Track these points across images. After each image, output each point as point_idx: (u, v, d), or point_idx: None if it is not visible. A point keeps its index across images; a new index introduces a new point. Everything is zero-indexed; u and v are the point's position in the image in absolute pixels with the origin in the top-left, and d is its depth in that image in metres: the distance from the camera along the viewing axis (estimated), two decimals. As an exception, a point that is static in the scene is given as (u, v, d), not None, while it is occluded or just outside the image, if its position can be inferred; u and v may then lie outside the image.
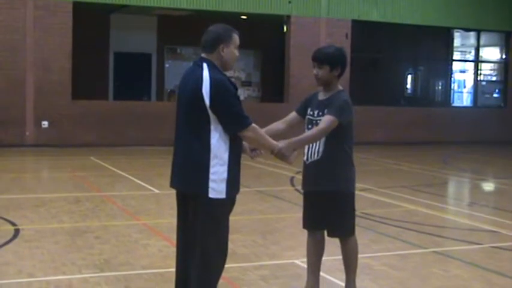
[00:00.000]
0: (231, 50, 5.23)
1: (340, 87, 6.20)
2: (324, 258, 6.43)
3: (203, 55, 5.24)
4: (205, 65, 5.12)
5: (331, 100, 6.07)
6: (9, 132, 20.68)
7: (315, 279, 6.39)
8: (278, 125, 6.31)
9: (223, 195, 5.08)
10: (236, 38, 5.27)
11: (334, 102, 6.03)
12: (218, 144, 5.04)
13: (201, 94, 4.98)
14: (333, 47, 6.30)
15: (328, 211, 6.13)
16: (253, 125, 5.17)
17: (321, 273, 6.47)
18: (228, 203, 5.18)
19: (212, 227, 5.12)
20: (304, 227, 6.40)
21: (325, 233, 6.29)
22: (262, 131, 5.42)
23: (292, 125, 6.34)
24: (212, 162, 5.03)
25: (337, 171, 6.07)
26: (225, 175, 5.07)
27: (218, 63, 5.18)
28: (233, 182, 5.16)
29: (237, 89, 5.19)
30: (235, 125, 5.12)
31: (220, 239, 5.19)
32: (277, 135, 5.96)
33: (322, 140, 6.02)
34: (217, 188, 5.05)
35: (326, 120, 5.93)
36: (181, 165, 5.17)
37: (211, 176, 5.02)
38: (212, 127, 5.03)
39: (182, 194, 5.27)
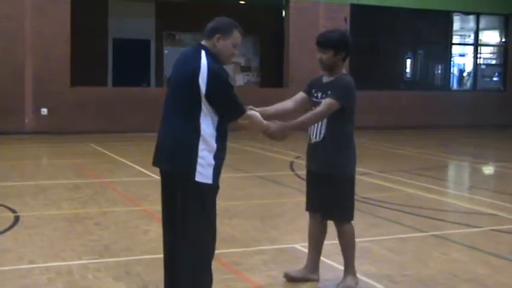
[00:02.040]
0: (227, 44, 5.16)
1: (344, 71, 6.19)
2: (325, 241, 6.46)
3: (203, 42, 5.22)
4: (203, 53, 5.09)
5: (335, 83, 6.10)
6: (9, 119, 20.67)
7: (314, 261, 6.42)
8: (287, 103, 6.37)
9: (209, 181, 5.04)
10: (237, 35, 5.21)
11: (337, 85, 6.06)
12: (208, 131, 5.01)
13: (197, 81, 4.96)
14: (338, 31, 6.31)
15: (325, 194, 6.15)
16: (247, 112, 5.24)
17: (321, 258, 6.48)
18: (214, 188, 5.12)
19: (199, 210, 5.06)
20: (306, 209, 6.42)
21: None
22: (256, 113, 5.47)
23: (301, 104, 6.35)
24: (201, 146, 4.99)
25: (337, 155, 6.08)
26: (212, 161, 5.03)
27: (212, 52, 5.15)
28: (219, 169, 5.12)
29: (228, 76, 5.18)
30: (232, 114, 5.15)
31: (208, 221, 5.14)
32: (285, 114, 6.03)
33: (324, 121, 6.05)
34: (204, 172, 5.00)
35: (325, 104, 5.96)
36: (169, 146, 5.11)
37: (199, 160, 4.98)
38: (202, 114, 5.00)
39: (166, 174, 5.21)
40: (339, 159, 6.09)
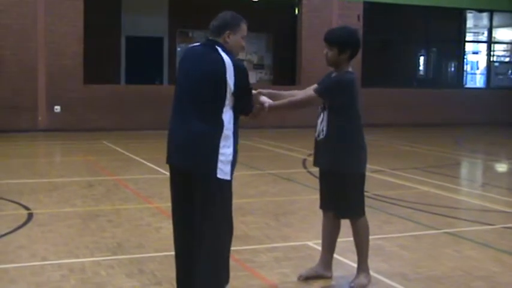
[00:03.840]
0: (237, 38, 5.24)
1: (349, 69, 6.17)
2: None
3: (211, 38, 5.25)
4: (220, 49, 5.12)
5: (331, 78, 6.18)
6: (22, 117, 20.74)
7: (327, 259, 6.42)
8: (296, 92, 6.44)
9: (228, 177, 5.10)
10: (244, 27, 5.27)
11: (328, 80, 6.15)
12: (229, 127, 5.07)
13: (225, 78, 5.00)
14: (346, 28, 6.30)
15: (334, 191, 6.18)
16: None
17: (334, 255, 6.47)
18: (230, 184, 5.18)
19: (220, 208, 5.11)
20: (320, 206, 6.44)
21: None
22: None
23: None
24: (221, 143, 5.04)
25: (341, 152, 6.08)
26: (230, 157, 5.10)
27: (226, 48, 5.19)
28: (234, 165, 5.18)
29: None
30: (249, 107, 5.35)
31: (228, 218, 5.20)
32: None
33: (325, 119, 6.08)
34: (224, 169, 5.05)
35: (305, 93, 6.13)
36: (189, 143, 5.10)
37: (220, 157, 5.03)
38: (225, 110, 5.05)
39: (184, 172, 5.20)
40: (342, 156, 6.08)
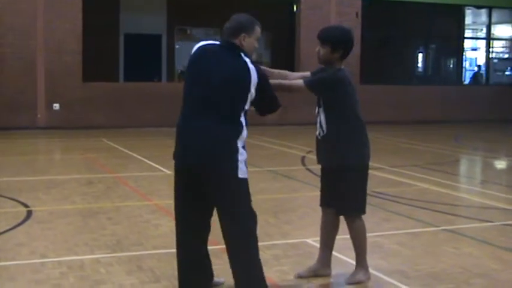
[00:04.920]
0: (252, 41, 5.32)
1: (341, 67, 6.16)
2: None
3: (230, 39, 5.29)
4: (243, 54, 5.21)
5: (322, 71, 6.20)
6: (21, 115, 20.74)
7: (325, 257, 6.41)
8: (287, 73, 6.55)
9: (246, 175, 5.21)
10: (258, 30, 5.36)
11: (320, 74, 6.16)
12: (244, 127, 5.17)
13: (250, 85, 5.11)
14: (340, 28, 6.35)
15: (335, 187, 6.18)
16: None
17: (333, 252, 6.47)
18: (248, 182, 5.27)
19: (245, 204, 5.24)
20: (320, 204, 6.46)
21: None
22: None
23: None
24: (239, 143, 5.14)
25: (340, 148, 6.07)
26: (245, 155, 5.20)
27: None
28: (246, 161, 5.26)
29: None
30: (276, 103, 5.48)
31: (253, 214, 5.30)
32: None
33: (323, 116, 6.08)
34: (243, 168, 5.16)
35: (295, 81, 6.15)
36: (209, 144, 5.12)
37: (239, 157, 5.13)
38: (243, 112, 5.17)
39: (201, 173, 5.21)
40: (341, 152, 6.07)
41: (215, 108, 5.13)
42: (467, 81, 29.42)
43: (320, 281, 6.31)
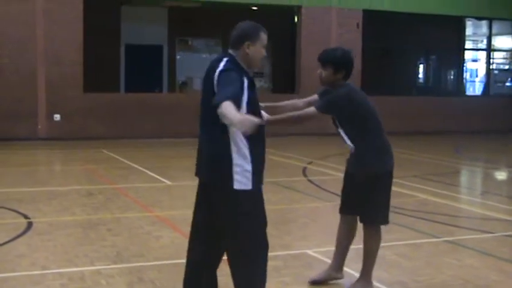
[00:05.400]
0: (257, 48, 5.17)
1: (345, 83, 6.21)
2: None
3: (230, 51, 5.21)
4: (224, 59, 5.09)
5: (329, 92, 6.17)
6: (22, 125, 20.73)
7: (338, 261, 6.47)
8: (297, 102, 6.47)
9: (249, 187, 5.02)
10: (264, 37, 5.23)
11: (327, 96, 6.15)
12: (238, 137, 4.97)
13: (215, 87, 4.96)
14: (340, 49, 6.37)
15: (357, 195, 6.25)
16: (227, 102, 4.63)
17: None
18: (255, 192, 5.10)
19: (242, 219, 5.07)
20: (339, 211, 6.54)
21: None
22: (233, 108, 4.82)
23: (311, 105, 6.34)
24: (234, 154, 4.98)
25: (366, 158, 6.16)
26: (248, 167, 5.01)
27: (243, 60, 5.14)
28: (259, 173, 5.11)
29: (252, 84, 5.08)
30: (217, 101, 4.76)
31: (254, 230, 5.14)
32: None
33: (343, 134, 6.19)
34: (241, 180, 4.99)
35: (306, 110, 6.13)
36: (206, 157, 5.12)
37: (234, 168, 4.97)
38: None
39: (206, 185, 5.19)
40: (366, 162, 6.16)
41: (204, 119, 5.15)
42: (474, 93, 29.43)
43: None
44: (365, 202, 6.16)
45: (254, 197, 5.11)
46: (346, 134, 6.14)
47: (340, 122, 6.14)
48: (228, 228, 5.11)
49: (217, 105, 4.62)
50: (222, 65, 5.02)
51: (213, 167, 5.06)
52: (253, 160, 5.05)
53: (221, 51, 25.01)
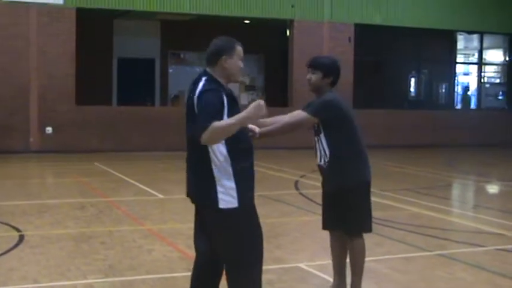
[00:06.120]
0: (235, 61, 5.16)
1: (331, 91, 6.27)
2: (328, 261, 6.49)
3: (207, 68, 5.20)
4: (203, 79, 5.08)
5: (315, 100, 6.28)
6: (14, 138, 20.72)
7: (340, 280, 6.45)
8: (282, 118, 6.42)
9: (235, 204, 5.00)
10: (240, 49, 5.21)
11: (314, 101, 6.24)
12: (220, 157, 4.98)
13: (195, 108, 4.97)
14: (329, 57, 6.66)
15: (343, 207, 6.27)
16: (211, 126, 4.75)
17: (325, 276, 6.48)
18: (243, 209, 5.06)
19: (233, 236, 5.08)
20: (324, 227, 6.54)
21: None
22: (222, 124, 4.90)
23: None
24: (216, 174, 4.98)
25: (347, 168, 6.20)
26: (233, 185, 5.00)
27: (222, 75, 5.13)
28: (245, 189, 5.07)
29: (232, 100, 5.07)
30: (198, 129, 4.87)
31: (247, 246, 5.11)
32: None
33: (325, 141, 6.18)
34: (225, 198, 4.98)
35: (296, 117, 6.19)
36: (191, 177, 5.16)
37: (218, 188, 4.97)
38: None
39: (196, 204, 5.24)
40: (348, 170, 6.21)
41: (188, 140, 5.14)
42: (459, 106, 29.55)
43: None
44: (349, 211, 6.20)
45: (242, 213, 5.07)
46: (328, 140, 6.14)
47: (324, 127, 6.16)
48: (220, 244, 5.12)
49: (203, 130, 4.74)
50: (200, 85, 5.03)
51: (199, 187, 5.09)
52: (236, 176, 5.02)
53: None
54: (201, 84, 5.04)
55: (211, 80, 5.08)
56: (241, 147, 5.09)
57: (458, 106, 29.65)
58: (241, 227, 5.08)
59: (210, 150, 4.97)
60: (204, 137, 4.77)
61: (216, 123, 4.76)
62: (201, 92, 4.97)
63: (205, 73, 5.17)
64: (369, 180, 6.35)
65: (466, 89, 29.92)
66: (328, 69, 6.26)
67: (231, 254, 5.10)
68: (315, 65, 6.30)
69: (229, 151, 5.01)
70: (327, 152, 6.17)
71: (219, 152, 4.98)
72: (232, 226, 5.05)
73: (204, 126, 4.77)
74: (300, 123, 6.19)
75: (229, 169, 5.01)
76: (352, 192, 6.20)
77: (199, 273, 5.33)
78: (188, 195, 5.27)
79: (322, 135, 6.19)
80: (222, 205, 4.98)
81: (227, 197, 4.99)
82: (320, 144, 6.22)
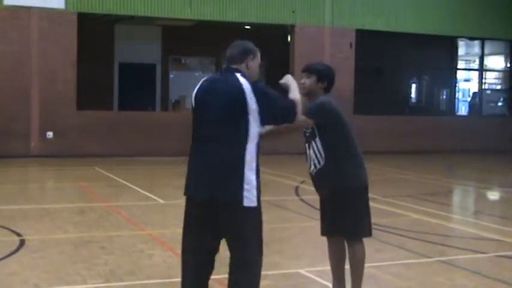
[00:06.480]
0: (256, 64, 5.38)
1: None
2: (329, 267, 6.48)
3: (233, 66, 5.30)
4: (237, 74, 5.19)
5: (311, 103, 6.30)
6: (15, 142, 20.71)
7: (339, 285, 6.45)
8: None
9: (254, 203, 5.10)
10: (259, 56, 5.44)
11: (309, 105, 6.27)
12: (251, 152, 5.08)
13: (246, 104, 5.05)
14: (325, 64, 6.71)
15: (336, 213, 6.27)
16: (296, 101, 5.40)
17: (324, 282, 6.47)
18: (259, 210, 5.19)
19: (247, 235, 5.15)
20: (323, 233, 6.53)
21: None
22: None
23: None
24: (246, 171, 5.06)
25: (339, 172, 6.20)
26: (254, 182, 5.10)
27: (245, 73, 5.27)
28: (259, 189, 5.18)
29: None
30: (286, 116, 5.37)
31: (258, 244, 5.22)
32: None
33: (320, 144, 6.20)
34: (249, 196, 5.06)
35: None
36: (215, 174, 5.09)
37: (245, 185, 5.04)
38: (249, 134, 5.09)
39: (208, 203, 5.14)
40: (340, 175, 6.20)
41: (217, 136, 5.12)
42: (459, 112, 29.55)
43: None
44: (347, 215, 6.19)
45: (258, 212, 5.19)
46: (323, 142, 6.15)
47: (319, 129, 6.16)
48: (236, 242, 5.17)
49: (293, 109, 5.30)
50: (243, 80, 5.14)
51: (225, 186, 5.08)
52: (257, 175, 5.14)
53: (214, 70, 25.13)
54: (240, 79, 5.15)
55: (244, 76, 5.22)
56: (259, 147, 5.21)
57: (460, 112, 29.63)
58: (256, 225, 5.20)
59: (246, 147, 5.06)
60: (299, 114, 5.35)
61: (297, 99, 5.39)
62: (253, 85, 5.16)
63: (235, 69, 5.27)
64: (366, 184, 6.35)
65: (474, 95, 29.90)
66: (323, 74, 6.34)
67: (246, 251, 5.16)
68: (310, 69, 6.40)
69: (256, 150, 5.15)
70: (322, 155, 6.17)
71: (249, 150, 5.08)
72: (251, 224, 5.15)
73: (291, 106, 5.31)
74: (297, 125, 6.18)
75: (254, 168, 5.11)
76: (348, 193, 6.19)
77: (197, 273, 5.31)
78: (198, 194, 5.18)
79: (317, 139, 6.19)
80: (245, 203, 5.05)
81: (250, 195, 5.07)
82: (314, 149, 6.22)
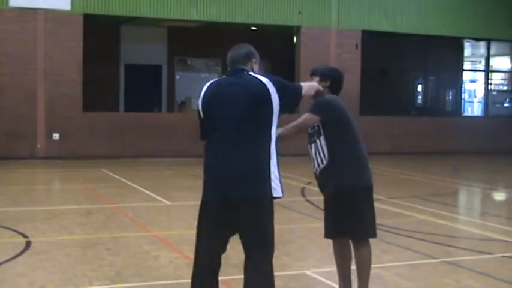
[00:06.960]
0: (257, 68, 5.46)
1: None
2: (335, 268, 6.48)
3: (241, 66, 5.35)
4: (252, 73, 5.31)
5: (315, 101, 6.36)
6: (21, 144, 20.74)
7: (345, 286, 6.45)
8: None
9: (280, 193, 5.26)
10: (259, 60, 5.53)
11: (313, 103, 6.33)
12: (274, 148, 5.18)
13: (271, 99, 5.14)
14: (332, 67, 6.85)
15: (341, 214, 6.28)
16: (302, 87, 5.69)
17: (329, 283, 6.47)
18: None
19: (271, 224, 5.39)
20: (328, 235, 6.55)
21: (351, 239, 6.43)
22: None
23: None
24: (271, 163, 5.16)
25: (343, 172, 6.22)
26: (277, 174, 5.21)
27: None
28: (281, 180, 5.27)
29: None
30: (296, 98, 5.56)
31: (273, 236, 5.49)
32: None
33: (324, 143, 6.22)
34: (276, 187, 5.19)
35: (299, 119, 6.30)
36: (245, 173, 5.10)
37: (272, 177, 5.15)
38: (272, 131, 5.18)
39: (231, 203, 5.14)
40: (344, 175, 6.22)
41: (243, 135, 5.13)
42: (465, 113, 29.49)
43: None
44: (352, 215, 6.20)
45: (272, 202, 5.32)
46: (328, 140, 6.16)
47: (324, 127, 6.17)
48: (258, 232, 5.35)
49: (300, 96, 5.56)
50: (259, 75, 5.26)
51: (256, 181, 5.13)
52: (279, 166, 5.24)
53: (220, 71, 25.15)
54: (257, 75, 5.27)
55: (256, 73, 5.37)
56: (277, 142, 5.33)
57: (466, 113, 29.57)
58: (273, 215, 5.39)
59: (270, 145, 5.15)
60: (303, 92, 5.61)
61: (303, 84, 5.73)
62: (269, 77, 5.28)
63: (246, 70, 5.36)
64: (370, 184, 6.37)
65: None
66: (326, 74, 6.42)
67: (267, 242, 5.40)
68: (314, 70, 6.50)
69: (276, 146, 5.23)
70: (326, 154, 6.18)
71: (272, 147, 5.17)
72: (271, 213, 5.36)
73: (299, 86, 5.65)
74: (304, 123, 6.22)
75: (275, 157, 5.21)
76: (352, 193, 6.20)
77: (213, 274, 5.41)
78: (226, 194, 5.14)
79: (322, 137, 6.19)
80: (275, 193, 5.21)
81: (276, 185, 5.20)
82: (318, 148, 6.24)
